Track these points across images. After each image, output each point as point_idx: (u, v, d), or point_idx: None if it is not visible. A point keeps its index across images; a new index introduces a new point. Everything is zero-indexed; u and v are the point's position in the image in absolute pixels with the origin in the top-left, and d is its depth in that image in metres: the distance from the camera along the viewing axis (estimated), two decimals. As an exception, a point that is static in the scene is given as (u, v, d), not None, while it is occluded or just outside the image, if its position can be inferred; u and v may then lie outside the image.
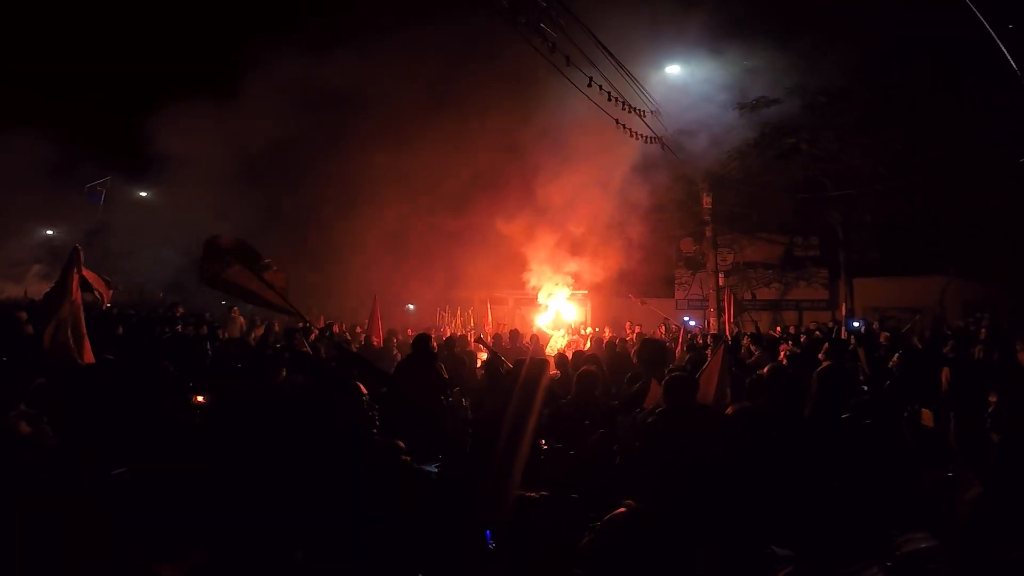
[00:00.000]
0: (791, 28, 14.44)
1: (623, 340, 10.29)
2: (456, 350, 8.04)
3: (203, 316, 10.84)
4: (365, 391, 2.75)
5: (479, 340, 6.25)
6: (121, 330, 7.74)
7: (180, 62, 20.12)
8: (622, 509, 1.82)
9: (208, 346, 7.47)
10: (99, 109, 18.40)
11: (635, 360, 5.42)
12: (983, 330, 10.49)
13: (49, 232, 21.33)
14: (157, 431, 2.99)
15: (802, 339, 11.61)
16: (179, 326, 9.26)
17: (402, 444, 2.49)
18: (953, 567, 1.90)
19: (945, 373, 4.38)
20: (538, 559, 2.07)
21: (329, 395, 2.85)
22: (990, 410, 3.13)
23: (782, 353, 8.72)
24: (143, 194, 23.33)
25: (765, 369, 4.94)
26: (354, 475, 2.27)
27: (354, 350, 8.39)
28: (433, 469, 3.10)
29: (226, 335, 9.51)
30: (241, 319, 11.14)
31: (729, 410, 3.26)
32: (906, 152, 15.39)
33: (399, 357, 8.48)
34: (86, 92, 18.64)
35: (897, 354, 5.69)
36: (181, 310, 10.87)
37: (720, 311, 14.50)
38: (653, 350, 5.10)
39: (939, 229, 17.55)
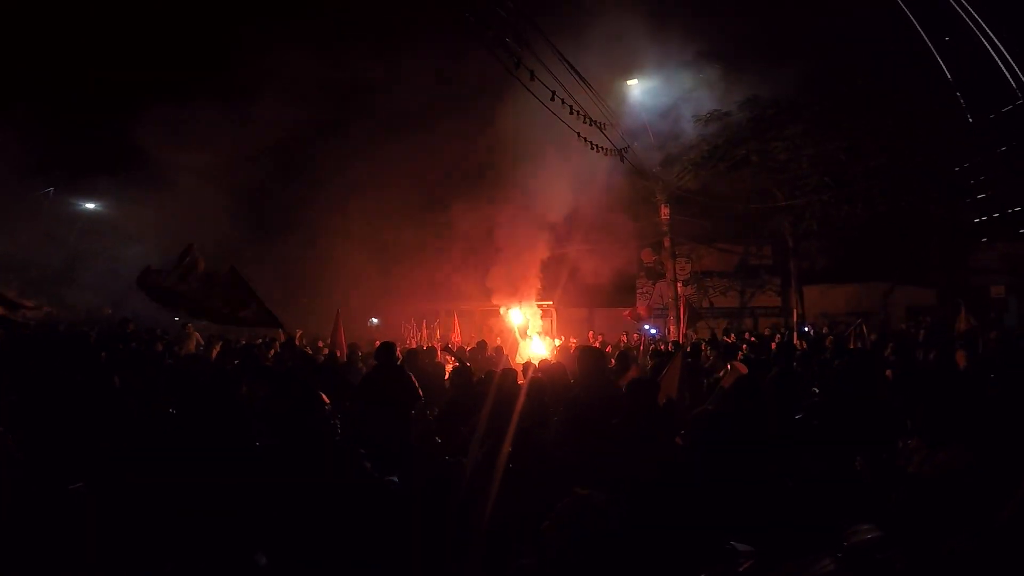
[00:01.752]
0: (744, 43, 15.14)
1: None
2: (419, 363, 7.98)
3: (155, 332, 10.48)
4: (328, 401, 2.78)
5: (446, 349, 6.26)
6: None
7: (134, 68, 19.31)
8: (574, 497, 1.89)
9: (166, 363, 7.26)
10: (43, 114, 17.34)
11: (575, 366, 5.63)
12: (922, 332, 11.13)
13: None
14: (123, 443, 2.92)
15: (754, 341, 12.09)
16: (133, 343, 8.95)
17: (363, 451, 2.52)
18: (898, 555, 2.05)
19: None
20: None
21: (297, 405, 2.85)
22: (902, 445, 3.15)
23: (739, 357, 9.06)
24: (90, 206, 22.30)
25: (721, 372, 5.16)
26: (322, 479, 2.29)
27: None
28: (395, 480, 3.11)
29: (182, 352, 9.22)
30: (197, 335, 10.82)
31: (693, 412, 3.40)
32: (849, 161, 16.16)
33: (364, 371, 8.37)
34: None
35: (837, 360, 6.05)
36: (132, 326, 10.50)
37: (679, 319, 14.87)
38: (589, 358, 5.39)
39: (881, 236, 18.44)
